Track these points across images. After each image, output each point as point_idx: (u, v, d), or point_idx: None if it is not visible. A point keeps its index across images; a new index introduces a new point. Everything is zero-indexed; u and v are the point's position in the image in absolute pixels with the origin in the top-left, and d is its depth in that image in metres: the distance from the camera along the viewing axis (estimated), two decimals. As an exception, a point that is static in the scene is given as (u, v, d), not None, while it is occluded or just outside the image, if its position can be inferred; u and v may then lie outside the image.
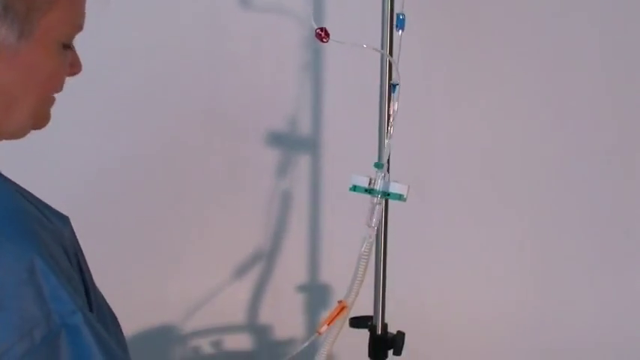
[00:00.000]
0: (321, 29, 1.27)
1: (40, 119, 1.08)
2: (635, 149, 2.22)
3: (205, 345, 2.10)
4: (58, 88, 1.09)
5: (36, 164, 1.91)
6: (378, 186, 1.30)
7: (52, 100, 1.10)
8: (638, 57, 2.17)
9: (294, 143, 2.12)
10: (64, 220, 1.11)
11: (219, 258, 2.15)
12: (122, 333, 1.18)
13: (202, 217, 2.14)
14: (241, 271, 2.16)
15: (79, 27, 1.07)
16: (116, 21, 1.90)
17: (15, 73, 1.03)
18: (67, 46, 1.07)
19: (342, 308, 1.30)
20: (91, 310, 1.05)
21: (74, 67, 1.10)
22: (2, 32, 0.98)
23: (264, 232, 2.16)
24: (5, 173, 1.09)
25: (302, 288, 2.09)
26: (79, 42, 1.15)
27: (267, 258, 2.16)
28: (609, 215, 2.23)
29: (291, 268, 2.16)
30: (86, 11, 1.09)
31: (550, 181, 2.21)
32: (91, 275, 1.13)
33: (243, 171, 2.15)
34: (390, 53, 1.53)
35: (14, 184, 1.10)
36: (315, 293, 2.09)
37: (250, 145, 2.12)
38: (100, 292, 1.15)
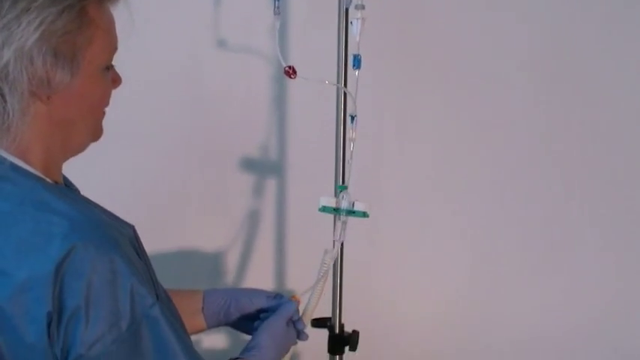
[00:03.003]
0: (290, 67, 1.36)
1: (96, 134, 1.16)
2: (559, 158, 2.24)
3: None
4: (107, 104, 1.16)
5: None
6: (343, 205, 1.38)
7: (103, 115, 1.17)
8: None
9: (265, 167, 2.19)
10: (130, 226, 1.16)
11: (196, 264, 2.23)
12: (180, 318, 1.20)
13: (183, 227, 2.21)
14: (215, 278, 2.23)
15: (115, 49, 1.14)
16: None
17: (71, 105, 1.09)
18: (109, 67, 1.14)
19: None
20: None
21: (115, 82, 1.16)
22: (58, 76, 1.05)
23: (238, 242, 2.23)
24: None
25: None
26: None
27: (238, 265, 2.23)
28: (544, 223, 2.24)
29: (260, 275, 2.23)
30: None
31: (487, 194, 2.24)
32: (154, 271, 1.19)
33: (220, 193, 2.22)
34: (346, 86, 1.59)
35: (87, 199, 1.16)
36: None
37: (226, 170, 2.19)
38: (161, 284, 1.20)
